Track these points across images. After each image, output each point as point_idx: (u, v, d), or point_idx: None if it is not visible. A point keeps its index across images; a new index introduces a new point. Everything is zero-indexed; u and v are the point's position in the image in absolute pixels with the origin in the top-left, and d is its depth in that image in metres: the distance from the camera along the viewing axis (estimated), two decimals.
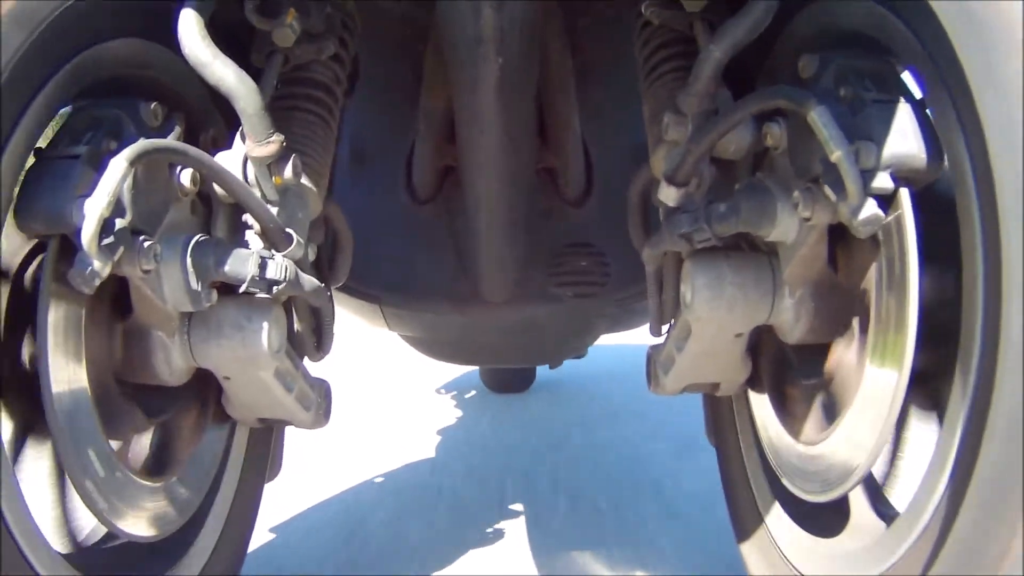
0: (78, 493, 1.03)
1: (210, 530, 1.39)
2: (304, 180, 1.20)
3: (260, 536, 1.75)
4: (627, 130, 1.69)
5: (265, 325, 1.16)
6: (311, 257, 1.28)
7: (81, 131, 1.03)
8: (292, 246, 1.15)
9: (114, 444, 1.11)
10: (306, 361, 1.39)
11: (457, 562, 1.72)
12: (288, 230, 1.16)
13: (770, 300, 1.16)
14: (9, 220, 0.98)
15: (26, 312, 1.05)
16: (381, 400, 3.71)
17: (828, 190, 0.98)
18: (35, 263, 1.09)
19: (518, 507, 2.12)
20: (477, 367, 3.84)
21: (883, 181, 0.94)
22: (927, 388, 1.02)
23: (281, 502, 2.03)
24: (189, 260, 1.07)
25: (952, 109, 0.85)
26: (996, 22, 0.77)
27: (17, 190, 0.97)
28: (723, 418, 1.52)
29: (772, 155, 1.12)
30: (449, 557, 1.75)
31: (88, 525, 1.21)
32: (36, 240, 1.08)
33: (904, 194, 0.95)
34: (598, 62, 1.63)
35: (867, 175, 0.94)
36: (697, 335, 1.22)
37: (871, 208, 0.94)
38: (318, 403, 1.36)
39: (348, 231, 1.41)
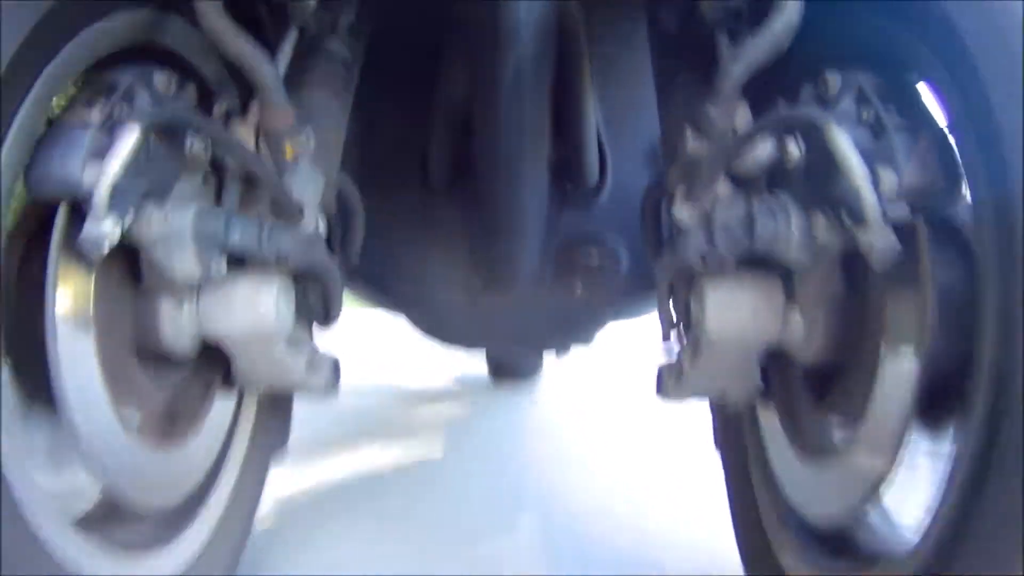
0: (83, 461, 1.04)
1: (217, 501, 1.41)
2: (316, 153, 1.20)
3: (258, 530, 1.76)
4: (643, 123, 1.68)
5: (274, 296, 1.17)
6: (322, 230, 1.28)
7: (94, 98, 1.03)
8: (303, 217, 1.16)
9: (122, 413, 1.13)
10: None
11: (460, 561, 1.72)
12: (299, 202, 1.17)
13: (782, 320, 1.15)
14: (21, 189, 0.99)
15: (35, 280, 1.06)
16: (387, 391, 3.71)
17: (845, 215, 0.97)
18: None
19: (522, 506, 2.12)
20: (484, 357, 3.84)
21: (902, 210, 0.94)
22: (938, 412, 1.01)
23: (280, 497, 2.04)
24: (199, 229, 1.07)
25: (974, 133, 0.84)
26: (1018, 43, 0.77)
27: (30, 156, 0.98)
28: (731, 428, 1.51)
29: (790, 174, 1.11)
30: (453, 556, 1.75)
31: (95, 494, 1.22)
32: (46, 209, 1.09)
33: (922, 222, 0.95)
34: (615, 56, 1.62)
35: (886, 202, 0.93)
36: (707, 351, 1.21)
37: (888, 237, 0.93)
38: (326, 374, 1.37)
39: (360, 206, 1.41)
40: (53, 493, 1.03)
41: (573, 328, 2.41)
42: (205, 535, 1.36)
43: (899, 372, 0.98)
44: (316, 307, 1.36)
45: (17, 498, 0.91)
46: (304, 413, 1.63)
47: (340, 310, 1.41)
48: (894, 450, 0.96)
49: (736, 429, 1.48)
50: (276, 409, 1.60)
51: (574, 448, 2.80)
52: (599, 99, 1.62)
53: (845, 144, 0.93)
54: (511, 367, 3.83)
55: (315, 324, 1.39)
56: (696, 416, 1.46)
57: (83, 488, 1.15)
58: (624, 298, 1.87)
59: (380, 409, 3.32)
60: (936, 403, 0.98)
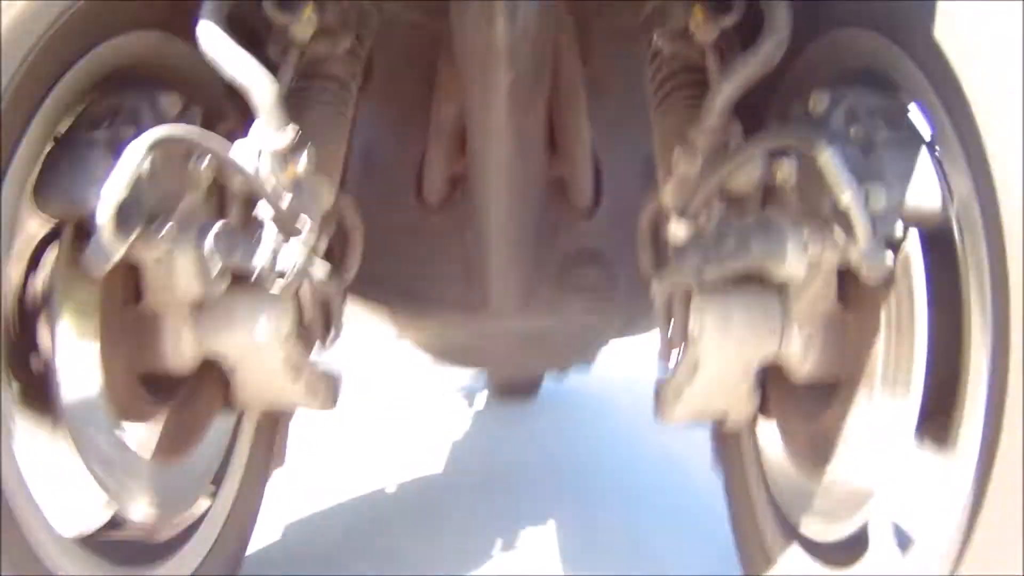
0: (84, 475, 1.05)
1: (217, 514, 1.41)
2: (317, 172, 1.21)
3: (263, 535, 1.76)
4: (637, 141, 1.68)
5: (275, 313, 1.18)
6: (323, 249, 1.29)
7: (100, 118, 1.05)
8: (303, 236, 1.17)
9: (124, 429, 1.14)
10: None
11: (461, 563, 1.73)
12: (300, 220, 1.18)
13: (778, 336, 1.16)
14: (26, 207, 1.00)
15: (41, 298, 1.07)
16: (389, 402, 3.71)
17: (837, 232, 0.98)
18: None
19: (522, 511, 2.12)
20: (485, 373, 3.84)
21: (893, 225, 0.95)
22: (935, 422, 1.01)
23: (285, 503, 2.04)
24: (202, 247, 1.08)
25: (960, 149, 0.85)
26: (1003, 61, 0.78)
27: (36, 174, 0.99)
28: (730, 446, 1.52)
29: (782, 191, 1.12)
30: (453, 559, 1.76)
31: (99, 508, 1.23)
32: (51, 228, 1.10)
33: (913, 236, 0.95)
34: (610, 72, 1.63)
35: (877, 219, 0.94)
36: (705, 369, 1.22)
37: (880, 252, 0.94)
38: (326, 391, 1.37)
39: (360, 225, 1.42)
40: (58, 506, 1.04)
41: (572, 349, 2.42)
42: (204, 549, 1.36)
43: (897, 385, 0.99)
44: (316, 325, 1.37)
45: (16, 513, 0.92)
46: (306, 419, 1.63)
47: (340, 328, 1.42)
48: (894, 462, 0.96)
49: (735, 446, 1.49)
50: (275, 425, 1.61)
51: (577, 451, 2.81)
52: (594, 115, 1.63)
53: (834, 163, 0.94)
54: (511, 386, 3.82)
55: (316, 344, 1.41)
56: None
57: (87, 502, 1.16)
58: (622, 317, 1.87)
59: (382, 417, 3.33)
60: (934, 414, 0.99)
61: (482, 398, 3.88)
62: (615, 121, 1.73)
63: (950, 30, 0.86)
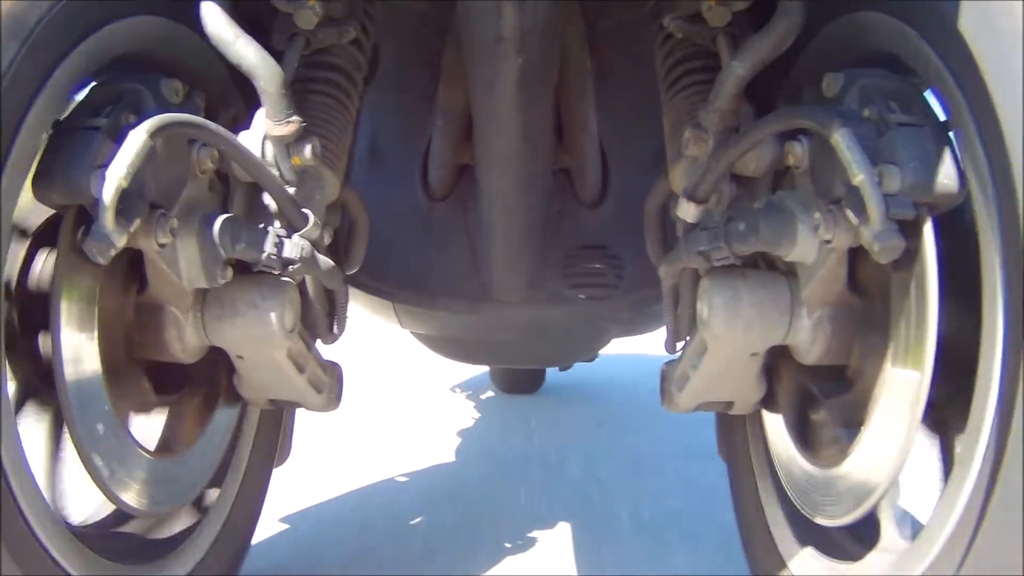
0: (85, 467, 1.03)
1: (219, 508, 1.40)
2: (322, 162, 1.20)
3: (268, 532, 1.75)
4: (644, 132, 1.68)
5: (279, 304, 1.16)
6: (327, 240, 1.28)
7: (101, 104, 1.03)
8: (308, 226, 1.16)
9: (126, 421, 1.12)
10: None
11: (465, 562, 1.72)
12: (304, 210, 1.17)
13: (787, 320, 1.15)
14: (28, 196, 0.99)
15: (41, 285, 1.06)
16: (394, 397, 3.71)
17: (849, 213, 0.97)
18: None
19: (527, 508, 2.12)
20: (488, 367, 3.84)
21: (906, 207, 0.93)
22: (944, 411, 1.01)
23: (291, 499, 2.04)
24: (205, 236, 1.07)
25: (976, 132, 0.84)
26: (1022, 44, 0.77)
27: (36, 160, 0.97)
28: (735, 436, 1.50)
29: (794, 174, 1.11)
30: (458, 557, 1.75)
31: (99, 502, 1.21)
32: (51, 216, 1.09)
33: (926, 219, 0.94)
34: (617, 63, 1.62)
35: (890, 200, 0.93)
36: (712, 353, 1.21)
37: (893, 234, 0.93)
38: (330, 385, 1.36)
39: (365, 216, 1.41)
40: (60, 497, 1.03)
41: (577, 342, 2.40)
42: (205, 545, 1.35)
43: (906, 372, 0.97)
44: (321, 319, 1.36)
45: (19, 503, 0.90)
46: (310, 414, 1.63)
47: (344, 322, 1.40)
48: (902, 451, 0.95)
49: (740, 435, 1.47)
50: (279, 420, 1.59)
51: (580, 445, 2.81)
52: (601, 106, 1.62)
53: (848, 143, 0.93)
54: (514, 381, 3.83)
55: (320, 336, 1.39)
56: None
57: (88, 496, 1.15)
58: (627, 310, 1.86)
59: (385, 413, 3.33)
60: (943, 402, 0.98)
61: (486, 391, 3.88)
62: (622, 112, 1.73)
63: (968, 13, 0.84)
